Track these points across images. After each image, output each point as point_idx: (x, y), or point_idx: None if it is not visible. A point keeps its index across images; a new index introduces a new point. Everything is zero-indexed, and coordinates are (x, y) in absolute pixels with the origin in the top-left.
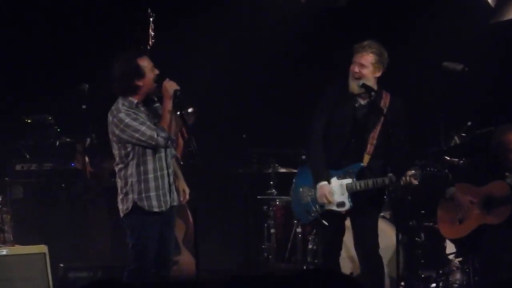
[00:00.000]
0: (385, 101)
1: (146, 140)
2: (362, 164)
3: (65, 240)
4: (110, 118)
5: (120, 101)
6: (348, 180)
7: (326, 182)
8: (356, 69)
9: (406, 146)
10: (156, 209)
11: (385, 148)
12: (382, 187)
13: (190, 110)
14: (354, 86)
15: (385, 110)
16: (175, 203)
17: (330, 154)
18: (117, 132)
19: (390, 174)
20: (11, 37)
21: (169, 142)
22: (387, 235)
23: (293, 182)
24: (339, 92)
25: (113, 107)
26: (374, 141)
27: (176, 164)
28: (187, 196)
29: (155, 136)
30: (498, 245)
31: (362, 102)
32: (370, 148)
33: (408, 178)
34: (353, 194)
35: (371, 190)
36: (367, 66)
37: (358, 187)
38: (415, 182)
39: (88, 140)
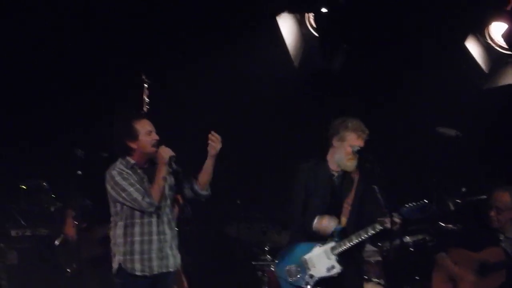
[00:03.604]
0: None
1: (130, 201)
2: (341, 226)
3: None
4: (106, 175)
5: (119, 159)
6: (332, 244)
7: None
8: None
9: (378, 206)
10: (138, 273)
11: (360, 207)
12: (365, 240)
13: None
14: (351, 166)
15: (357, 178)
16: (168, 270)
17: (311, 224)
18: (109, 188)
19: (373, 224)
20: (6, 103)
21: (154, 208)
22: None
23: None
24: (313, 171)
25: (111, 165)
26: (349, 207)
27: None
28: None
29: (140, 199)
30: None
31: (336, 174)
32: (346, 210)
33: (389, 218)
34: (340, 255)
35: (355, 253)
36: (363, 146)
37: (344, 247)
38: (398, 220)
39: (80, 205)
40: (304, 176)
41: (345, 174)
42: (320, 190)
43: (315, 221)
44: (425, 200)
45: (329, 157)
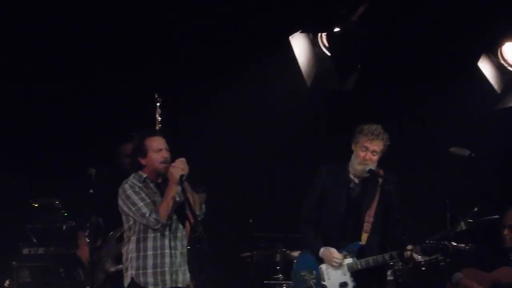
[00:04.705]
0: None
1: (139, 216)
2: (361, 243)
3: None
4: (119, 189)
5: (132, 174)
6: (349, 260)
7: (324, 247)
8: (368, 156)
9: (402, 222)
10: (151, 287)
11: (382, 225)
12: (383, 264)
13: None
14: (361, 170)
15: (378, 195)
16: (177, 285)
17: (329, 235)
18: (120, 202)
19: (392, 252)
20: (19, 122)
21: (160, 225)
22: None
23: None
24: (332, 172)
25: (125, 180)
26: (371, 219)
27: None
28: None
29: (147, 215)
30: None
31: (356, 181)
32: (367, 226)
33: (408, 253)
34: (355, 273)
35: (373, 269)
36: (378, 153)
37: (359, 266)
38: (416, 256)
39: (89, 225)
40: (322, 176)
41: (366, 186)
42: (336, 195)
43: (321, 249)
44: (446, 243)
45: (349, 163)
